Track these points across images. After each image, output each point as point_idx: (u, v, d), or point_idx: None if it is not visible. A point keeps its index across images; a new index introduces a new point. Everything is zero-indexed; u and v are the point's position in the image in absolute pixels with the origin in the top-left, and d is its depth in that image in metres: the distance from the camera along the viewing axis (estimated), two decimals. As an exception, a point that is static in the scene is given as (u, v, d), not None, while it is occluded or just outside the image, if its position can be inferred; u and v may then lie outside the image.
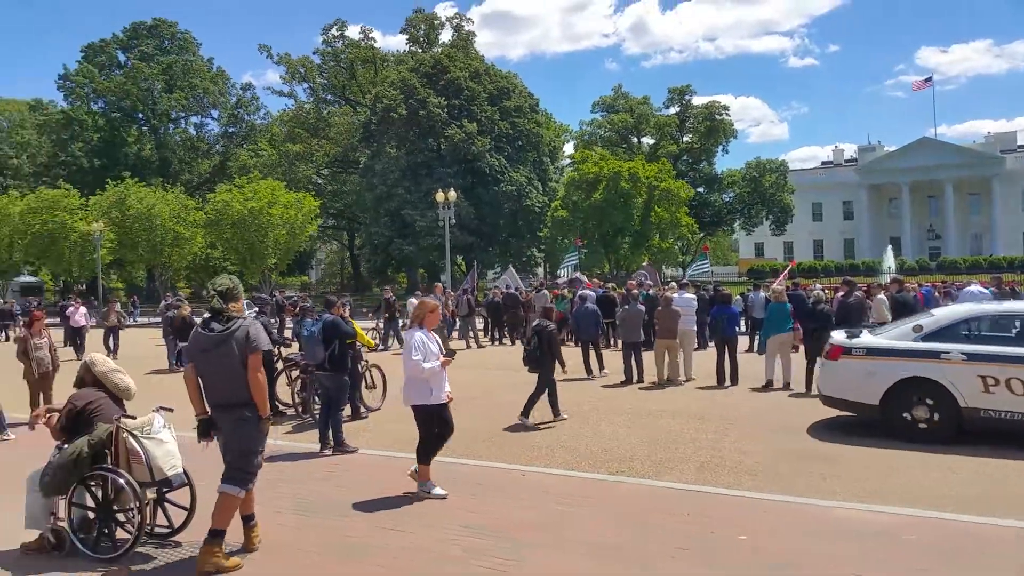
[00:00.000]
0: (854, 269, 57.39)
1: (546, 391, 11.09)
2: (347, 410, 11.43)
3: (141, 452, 5.29)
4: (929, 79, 73.81)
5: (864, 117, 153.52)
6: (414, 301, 24.51)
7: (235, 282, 5.61)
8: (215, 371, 5.35)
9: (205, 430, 5.45)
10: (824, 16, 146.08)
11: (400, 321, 23.05)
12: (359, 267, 76.98)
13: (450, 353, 7.71)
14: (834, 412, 10.33)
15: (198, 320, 20.67)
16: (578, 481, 7.84)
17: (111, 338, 22.29)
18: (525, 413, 10.88)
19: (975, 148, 75.36)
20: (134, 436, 5.30)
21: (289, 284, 73.77)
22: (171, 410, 5.79)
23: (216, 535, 5.26)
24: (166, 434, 5.52)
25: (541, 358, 10.98)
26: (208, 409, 5.43)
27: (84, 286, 57.99)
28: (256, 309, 20.04)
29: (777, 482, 7.68)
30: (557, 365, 11.16)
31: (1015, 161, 73.58)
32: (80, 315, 22.82)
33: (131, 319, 33.93)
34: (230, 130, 71.69)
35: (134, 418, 5.45)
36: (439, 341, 7.44)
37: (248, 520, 5.66)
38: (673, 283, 20.59)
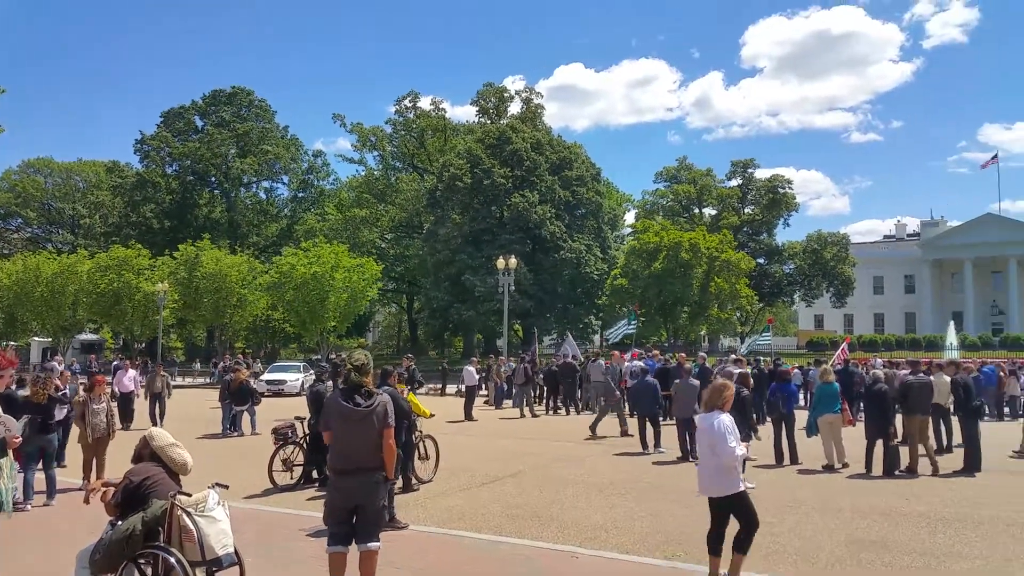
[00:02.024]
0: (915, 343, 55.94)
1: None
2: (398, 482, 11.44)
3: (194, 530, 5.30)
4: (995, 156, 72.84)
5: (926, 192, 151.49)
6: (471, 369, 24.79)
7: (369, 358, 6.29)
8: (356, 439, 5.97)
9: None
10: (888, 93, 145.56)
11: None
12: (416, 330, 77.53)
13: (747, 437, 7.50)
14: (894, 495, 9.92)
15: (254, 383, 20.95)
16: (631, 566, 7.64)
17: (157, 405, 20.48)
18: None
19: (1039, 225, 73.59)
20: (188, 514, 5.33)
21: (347, 346, 74.58)
22: (226, 487, 5.82)
23: None
24: (220, 512, 5.53)
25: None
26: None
27: (144, 345, 59.35)
28: (315, 374, 20.12)
29: (835, 569, 7.41)
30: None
31: (1078, 238, 71.59)
32: (128, 379, 20.65)
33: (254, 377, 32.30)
34: (299, 195, 73.82)
35: (189, 495, 5.48)
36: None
37: None
38: (733, 356, 20.25)
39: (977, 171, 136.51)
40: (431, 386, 33.67)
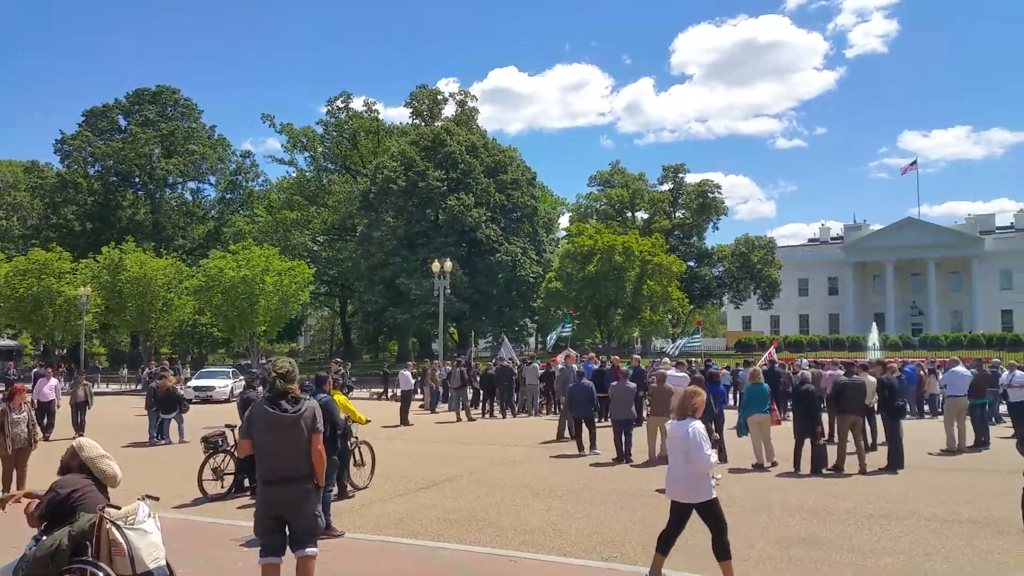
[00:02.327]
0: (839, 344, 57.76)
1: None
2: (334, 489, 11.28)
3: (124, 544, 5.12)
4: (914, 163, 75.71)
5: (849, 196, 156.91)
6: (406, 373, 24.62)
7: (294, 365, 6.14)
8: (284, 447, 5.81)
9: None
10: (812, 100, 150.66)
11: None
12: (350, 334, 76.68)
13: (715, 443, 7.41)
14: (822, 493, 10.20)
15: (181, 389, 20.40)
16: (570, 568, 7.67)
17: (80, 415, 19.66)
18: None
19: (956, 229, 77.13)
20: (118, 527, 5.15)
21: (277, 351, 73.32)
22: (157, 498, 5.64)
23: None
24: (151, 524, 5.35)
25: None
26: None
27: (65, 351, 57.32)
28: (245, 380, 19.70)
29: (766, 567, 7.59)
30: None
31: (993, 242, 75.35)
32: (49, 387, 19.58)
33: (181, 383, 30.93)
34: (227, 196, 72.20)
35: (119, 507, 5.30)
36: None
37: None
38: (667, 359, 20.55)
39: (897, 176, 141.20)
40: (373, 390, 33.35)
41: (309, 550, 5.88)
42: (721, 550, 6.70)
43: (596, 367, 21.23)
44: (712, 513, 6.75)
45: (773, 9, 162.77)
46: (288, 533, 5.90)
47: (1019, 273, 71.60)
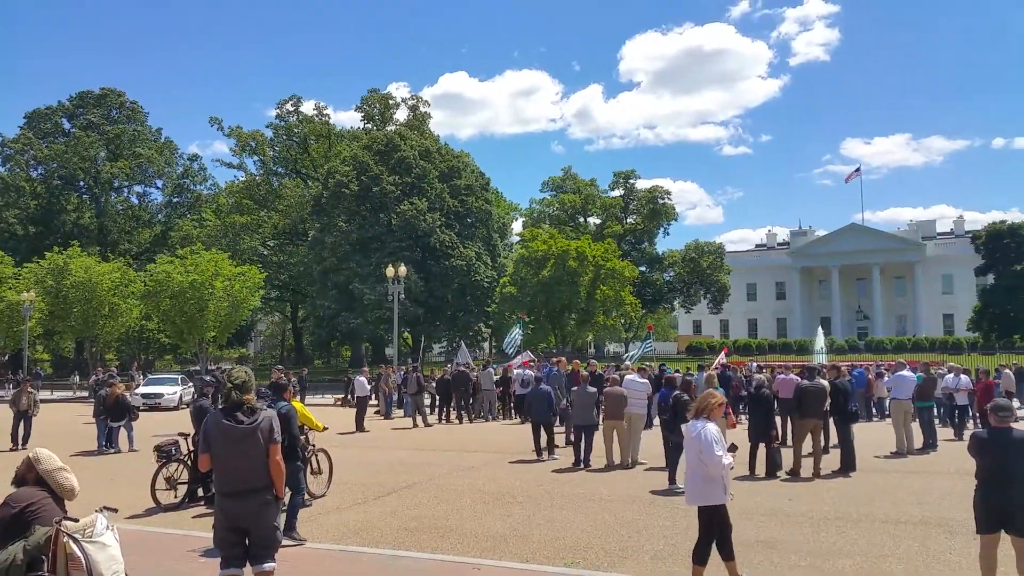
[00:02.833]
0: (787, 347, 59.00)
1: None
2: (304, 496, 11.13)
3: (82, 558, 4.97)
4: (858, 170, 77.75)
5: (794, 202, 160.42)
6: (362, 379, 24.39)
7: (250, 375, 6.01)
8: (241, 459, 5.70)
9: None
10: (757, 108, 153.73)
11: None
12: (301, 340, 75.79)
13: (732, 447, 7.24)
14: (777, 496, 10.35)
15: (132, 397, 19.90)
16: (535, 575, 7.67)
17: (22, 424, 18.58)
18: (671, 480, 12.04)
19: (899, 235, 79.24)
20: (75, 540, 4.99)
21: (227, 357, 72.16)
22: (115, 510, 5.48)
23: None
24: (109, 537, 5.19)
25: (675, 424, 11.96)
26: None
27: (7, 358, 55.72)
28: (196, 388, 19.26)
29: (727, 571, 7.65)
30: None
31: (935, 248, 77.63)
32: None
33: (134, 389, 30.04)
34: (174, 200, 70.93)
35: (76, 520, 5.13)
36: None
37: None
38: (628, 363, 20.68)
39: (841, 183, 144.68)
40: (336, 396, 32.91)
41: (267, 565, 5.79)
42: (702, 557, 6.78)
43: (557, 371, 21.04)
44: (717, 519, 6.74)
45: (718, 17, 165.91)
46: (248, 545, 5.78)
47: (960, 278, 73.75)
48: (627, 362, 23.33)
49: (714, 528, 6.79)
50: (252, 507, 5.70)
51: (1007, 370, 22.84)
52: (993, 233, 48.13)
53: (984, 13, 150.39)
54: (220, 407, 5.97)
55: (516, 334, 32.64)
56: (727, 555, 6.82)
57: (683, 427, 6.84)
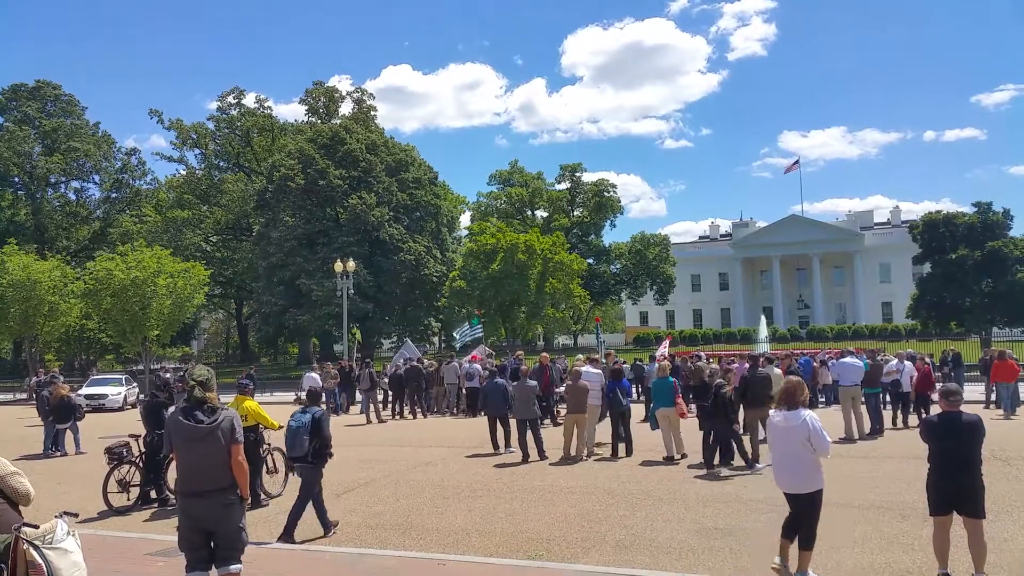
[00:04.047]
0: (731, 337, 60.09)
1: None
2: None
3: (43, 565, 4.83)
4: (797, 162, 79.27)
5: (735, 194, 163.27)
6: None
7: (211, 373, 5.97)
8: (202, 459, 5.66)
9: None
10: (696, 102, 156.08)
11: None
12: (247, 337, 74.60)
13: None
14: (733, 484, 10.52)
15: (77, 398, 19.35)
16: (499, 568, 7.69)
17: None
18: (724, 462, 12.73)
19: (838, 225, 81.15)
20: (35, 547, 4.85)
21: (170, 356, 70.67)
22: (76, 515, 5.34)
23: None
24: (71, 543, 5.05)
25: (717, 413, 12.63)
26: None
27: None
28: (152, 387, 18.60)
29: (690, 558, 7.81)
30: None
31: (872, 238, 79.66)
32: None
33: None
34: (112, 195, 69.00)
35: (36, 526, 4.98)
36: None
37: None
38: (581, 356, 20.78)
39: (780, 175, 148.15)
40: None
41: (233, 567, 5.73)
42: (810, 540, 6.86)
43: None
44: (816, 503, 6.86)
45: (658, 12, 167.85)
46: (213, 547, 5.72)
47: (897, 267, 75.84)
48: (579, 355, 23.34)
49: (818, 508, 6.89)
50: (215, 507, 5.63)
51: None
52: (929, 223, 49.52)
53: (913, 12, 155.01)
54: (181, 406, 5.90)
55: (467, 329, 32.53)
56: (806, 543, 6.87)
57: (780, 414, 6.89)
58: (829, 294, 79.24)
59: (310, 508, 9.09)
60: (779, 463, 7.04)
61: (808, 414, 6.84)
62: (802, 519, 6.85)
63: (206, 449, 5.64)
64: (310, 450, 9.11)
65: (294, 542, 8.80)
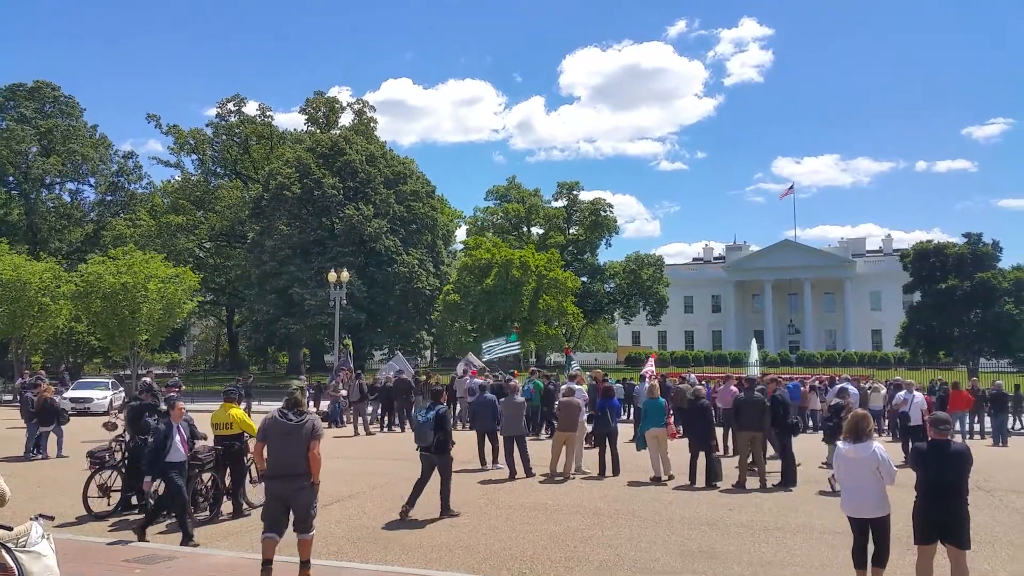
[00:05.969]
0: (722, 359, 60.15)
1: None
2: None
3: (15, 568, 4.75)
4: (791, 188, 79.78)
5: (728, 218, 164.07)
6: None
7: (304, 390, 8.24)
8: (287, 449, 7.35)
9: None
10: (692, 125, 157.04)
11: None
12: (237, 344, 74.27)
13: None
14: (718, 506, 10.45)
15: (62, 401, 19.17)
16: (481, 586, 7.62)
17: None
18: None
19: (830, 251, 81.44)
20: (7, 549, 4.77)
21: (158, 361, 70.23)
22: (51, 518, 5.25)
23: (306, 565, 7.47)
24: (45, 546, 4.98)
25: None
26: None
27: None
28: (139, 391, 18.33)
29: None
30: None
31: (864, 265, 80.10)
32: None
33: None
34: (107, 198, 68.77)
35: (10, 528, 4.90)
36: None
37: (305, 565, 7.45)
38: (577, 372, 20.81)
39: (773, 200, 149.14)
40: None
41: (307, 534, 7.40)
42: (881, 559, 7.08)
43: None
44: (887, 527, 7.12)
45: (656, 36, 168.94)
46: (293, 519, 7.39)
47: (887, 295, 76.02)
48: (577, 372, 23.15)
49: (889, 530, 7.14)
50: (292, 488, 7.29)
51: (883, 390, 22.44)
52: (920, 252, 49.74)
53: (907, 45, 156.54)
54: (279, 408, 7.59)
55: (504, 344, 31.65)
56: (880, 561, 7.11)
57: (850, 446, 7.14)
58: (820, 320, 79.47)
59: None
60: (851, 491, 7.25)
61: (877, 445, 7.10)
62: (876, 542, 7.10)
63: (292, 441, 7.31)
64: (434, 441, 10.47)
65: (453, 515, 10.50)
